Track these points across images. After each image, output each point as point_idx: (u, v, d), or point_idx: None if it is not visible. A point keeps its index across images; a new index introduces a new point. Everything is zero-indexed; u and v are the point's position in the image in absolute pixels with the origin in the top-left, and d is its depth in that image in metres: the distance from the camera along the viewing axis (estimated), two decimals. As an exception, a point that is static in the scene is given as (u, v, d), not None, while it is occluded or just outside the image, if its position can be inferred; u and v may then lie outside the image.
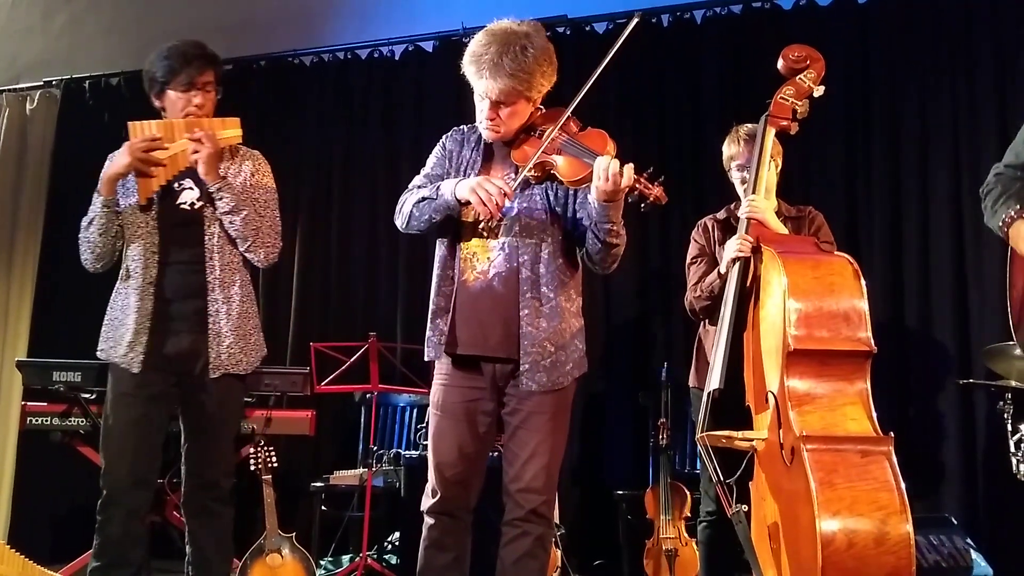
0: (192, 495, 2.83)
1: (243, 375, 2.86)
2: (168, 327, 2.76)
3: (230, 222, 2.81)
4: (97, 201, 2.80)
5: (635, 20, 2.43)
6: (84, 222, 2.83)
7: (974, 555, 3.39)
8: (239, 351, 2.81)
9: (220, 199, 2.79)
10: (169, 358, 2.76)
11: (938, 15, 4.15)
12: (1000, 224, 2.34)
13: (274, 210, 2.94)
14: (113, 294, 2.86)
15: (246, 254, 2.86)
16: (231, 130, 2.85)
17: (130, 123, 2.82)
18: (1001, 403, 3.31)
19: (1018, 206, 2.32)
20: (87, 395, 3.89)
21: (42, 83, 5.63)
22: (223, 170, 2.84)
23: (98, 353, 2.84)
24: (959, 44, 4.10)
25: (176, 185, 2.83)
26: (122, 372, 2.76)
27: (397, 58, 5.04)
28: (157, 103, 2.87)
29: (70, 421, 3.90)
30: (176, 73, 2.79)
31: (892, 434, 2.29)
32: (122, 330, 2.77)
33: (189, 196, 2.83)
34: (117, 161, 2.77)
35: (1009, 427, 3.25)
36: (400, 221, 2.54)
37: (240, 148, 2.94)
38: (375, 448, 4.07)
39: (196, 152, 2.75)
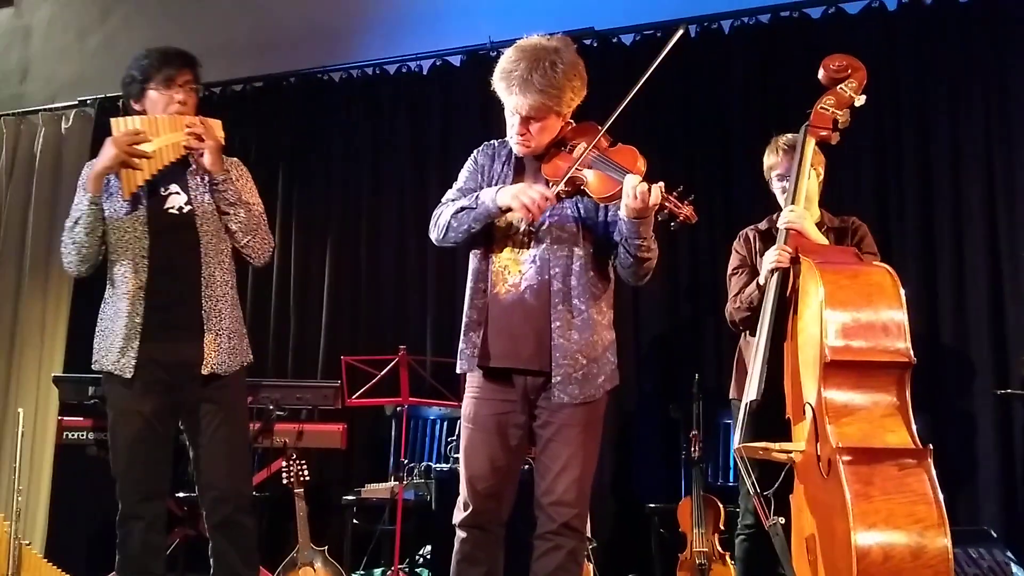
0: (214, 508, 2.78)
1: (241, 372, 2.85)
2: (162, 334, 2.73)
3: (235, 213, 2.80)
4: (83, 199, 2.76)
5: (679, 32, 2.43)
6: (68, 223, 2.78)
7: (1015, 568, 3.32)
8: (234, 347, 2.81)
9: (225, 191, 2.79)
10: (165, 365, 2.73)
11: (968, 23, 4.10)
12: None
13: (261, 208, 2.93)
14: (102, 305, 2.84)
15: (244, 249, 2.86)
16: (218, 131, 2.83)
17: (113, 119, 2.80)
18: (1040, 413, 3.26)
19: None
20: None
21: (77, 102, 5.71)
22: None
23: (92, 365, 2.82)
24: (990, 51, 4.05)
25: (162, 191, 2.80)
26: (119, 386, 2.74)
27: (425, 73, 5.07)
28: (137, 107, 2.84)
29: (106, 435, 3.93)
30: (156, 71, 2.80)
31: (931, 446, 2.26)
32: (111, 337, 2.75)
33: (176, 201, 2.80)
34: (102, 156, 2.74)
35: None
36: (436, 234, 2.55)
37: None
38: (406, 461, 4.07)
39: (200, 141, 2.75)
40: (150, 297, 2.73)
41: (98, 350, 2.80)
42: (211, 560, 2.83)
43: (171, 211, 2.79)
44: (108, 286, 2.82)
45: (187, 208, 2.80)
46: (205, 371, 2.74)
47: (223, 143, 2.83)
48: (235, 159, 2.96)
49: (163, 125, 2.76)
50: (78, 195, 2.79)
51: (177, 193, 2.81)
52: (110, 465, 2.81)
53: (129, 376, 2.71)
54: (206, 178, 2.81)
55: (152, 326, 2.73)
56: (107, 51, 5.84)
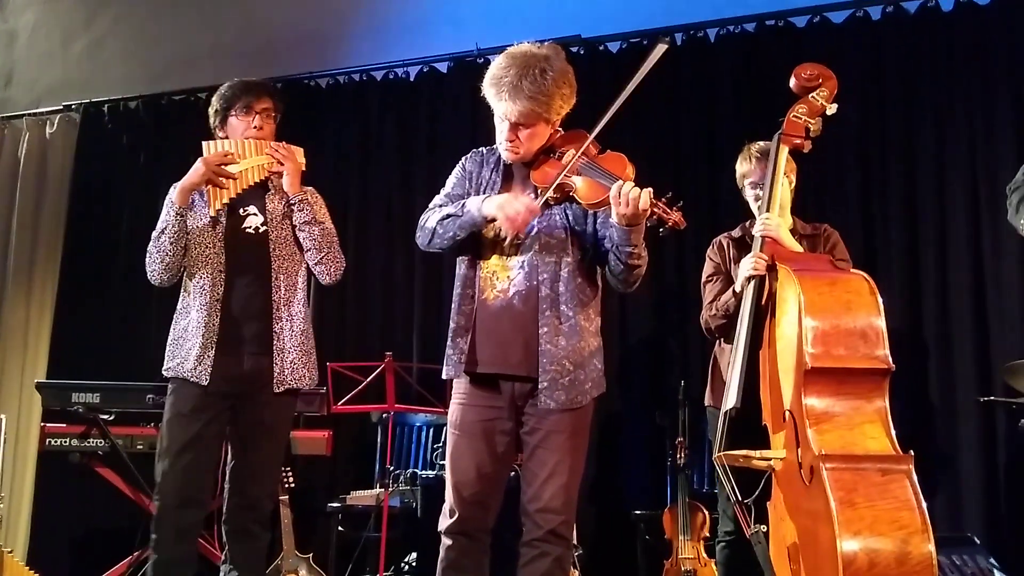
0: (234, 514, 2.89)
1: (298, 392, 2.99)
2: (234, 347, 2.87)
3: (309, 232, 2.97)
4: (171, 211, 2.93)
5: (663, 47, 2.43)
6: (155, 233, 2.95)
7: (997, 574, 3.34)
8: (302, 366, 2.94)
9: (301, 210, 2.97)
10: (234, 378, 2.85)
11: (952, 32, 4.14)
12: (1022, 222, 2.32)
13: (335, 232, 3.11)
14: (176, 315, 2.96)
15: (317, 267, 3.02)
16: (300, 157, 3.05)
17: (204, 142, 3.00)
18: (1022, 420, 3.29)
19: None
20: (106, 416, 3.91)
21: (61, 107, 5.69)
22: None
23: (164, 371, 2.93)
24: (974, 60, 4.09)
25: (241, 211, 2.97)
26: (184, 390, 2.84)
27: (412, 79, 5.07)
28: (220, 133, 3.04)
29: (89, 442, 3.92)
30: (236, 100, 3.00)
31: (912, 452, 2.27)
32: (188, 346, 2.87)
33: (253, 221, 2.97)
34: (191, 173, 2.92)
35: (1031, 445, 3.22)
36: (422, 239, 2.55)
37: None
38: (392, 468, 4.06)
39: (281, 164, 2.96)
40: (225, 310, 2.88)
41: (172, 356, 2.91)
42: (222, 565, 2.94)
43: (248, 230, 2.96)
44: (183, 296, 2.96)
45: (263, 228, 2.97)
46: (277, 389, 2.88)
47: (303, 167, 3.03)
48: (312, 188, 3.12)
49: (249, 149, 2.97)
50: (165, 207, 2.96)
51: (255, 214, 2.98)
52: (155, 467, 2.88)
53: (205, 383, 2.82)
54: (283, 202, 2.99)
55: (225, 338, 2.86)
56: (92, 56, 5.83)
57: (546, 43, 2.47)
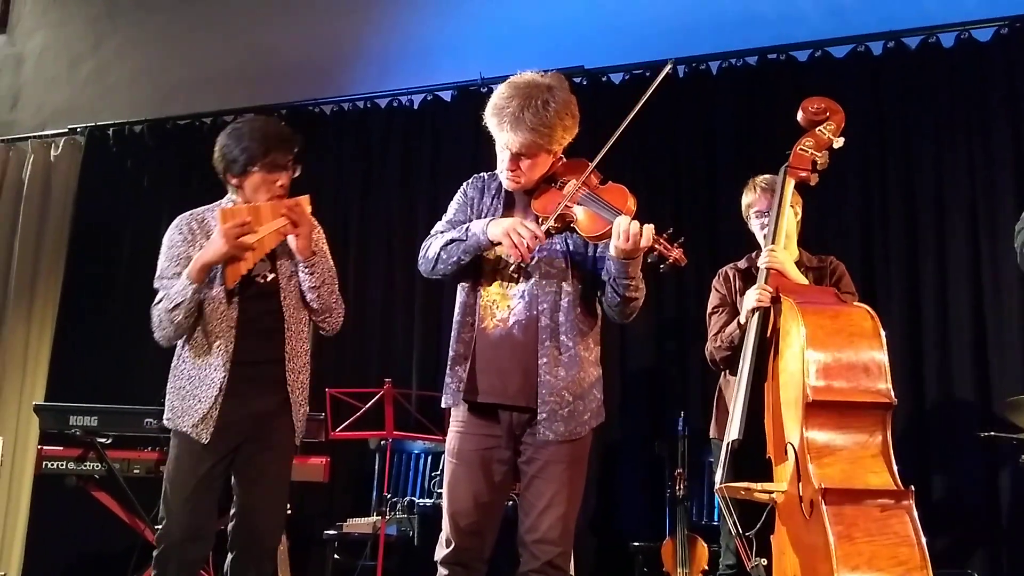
0: (243, 550, 2.80)
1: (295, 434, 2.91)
2: (242, 392, 2.77)
3: (317, 295, 2.87)
4: (188, 288, 2.74)
5: (668, 67, 2.44)
6: (168, 304, 2.77)
7: (998, 612, 3.32)
8: (305, 413, 2.90)
9: (311, 273, 2.85)
10: (239, 422, 2.76)
11: (952, 66, 4.18)
12: None
13: (335, 278, 2.98)
14: (179, 361, 2.85)
15: (322, 323, 2.95)
16: (307, 206, 2.87)
17: (220, 209, 2.81)
18: (1023, 456, 3.27)
19: None
20: (103, 440, 3.90)
21: (67, 130, 5.73)
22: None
23: (165, 421, 2.84)
24: (974, 94, 4.12)
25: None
26: (187, 440, 2.77)
27: (416, 107, 5.11)
28: (234, 181, 2.84)
29: (86, 466, 3.90)
30: (262, 155, 2.80)
31: (912, 488, 2.26)
32: (192, 401, 2.77)
33: (261, 268, 2.85)
34: (212, 247, 2.74)
35: (1032, 481, 3.20)
36: (425, 266, 2.54)
37: None
38: (389, 496, 4.04)
39: (295, 226, 2.78)
40: (235, 363, 2.78)
41: (173, 408, 2.81)
42: None
43: (257, 279, 2.85)
44: (188, 346, 2.83)
45: (271, 277, 2.86)
46: (270, 430, 2.80)
47: (314, 224, 2.89)
48: (314, 221, 2.92)
49: (265, 213, 2.79)
50: (181, 281, 2.76)
51: (263, 261, 2.85)
52: (162, 499, 2.80)
53: (205, 442, 2.74)
54: (291, 256, 2.87)
55: (233, 386, 2.76)
56: (98, 80, 5.88)
57: (550, 72, 2.48)
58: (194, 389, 2.79)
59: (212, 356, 2.77)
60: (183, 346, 2.85)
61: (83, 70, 5.94)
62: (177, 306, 2.76)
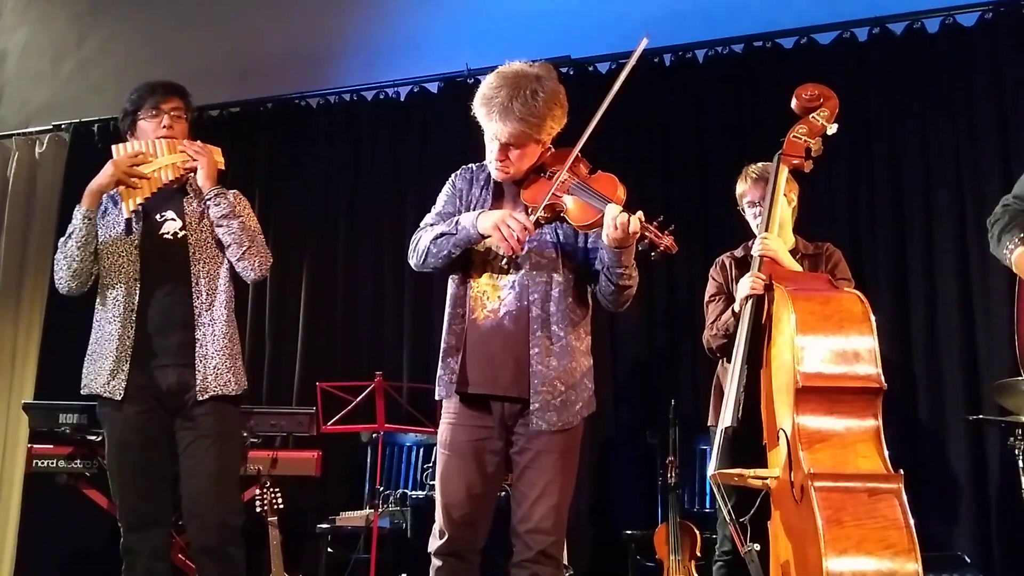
0: (201, 535, 2.78)
1: (236, 399, 2.86)
2: (152, 361, 2.77)
3: (227, 226, 2.87)
4: (78, 213, 2.84)
5: (644, 41, 2.44)
6: (62, 239, 2.87)
7: (988, 594, 3.34)
8: (227, 371, 2.83)
9: (217, 204, 2.88)
10: (156, 391, 2.76)
11: (937, 51, 4.19)
12: (1005, 252, 2.34)
13: (259, 230, 3.01)
14: (93, 329, 2.86)
15: (239, 263, 2.90)
16: (217, 155, 2.97)
17: (113, 145, 2.92)
18: (1012, 439, 3.29)
19: (1022, 234, 2.30)
20: (93, 437, 3.88)
21: (51, 127, 5.69)
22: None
23: (81, 390, 2.84)
24: (958, 78, 4.13)
25: (158, 217, 2.88)
26: (112, 412, 2.76)
27: (403, 99, 5.09)
28: (132, 138, 2.95)
29: (76, 463, 3.89)
30: (143, 101, 2.92)
31: (902, 472, 2.27)
32: (101, 360, 2.78)
33: (171, 227, 2.88)
34: (101, 175, 2.84)
35: (1020, 463, 3.22)
36: (415, 259, 2.54)
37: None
38: (382, 489, 4.04)
39: (195, 161, 2.87)
40: (141, 321, 2.78)
41: (87, 373, 2.83)
42: None
43: (165, 236, 2.87)
44: (98, 308, 2.85)
45: (181, 234, 2.88)
46: (200, 397, 2.77)
47: (221, 166, 2.95)
48: (236, 191, 3.04)
49: (161, 148, 2.89)
50: (75, 211, 2.86)
51: (172, 219, 2.89)
52: (111, 493, 2.81)
53: (119, 398, 2.72)
54: (202, 204, 2.90)
55: (144, 351, 2.76)
56: (82, 76, 5.83)
57: (538, 62, 2.47)
58: (103, 348, 2.79)
59: (119, 314, 2.78)
60: (96, 312, 2.86)
61: (67, 66, 5.89)
62: (69, 235, 2.83)
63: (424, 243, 2.50)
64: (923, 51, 4.21)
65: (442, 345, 2.50)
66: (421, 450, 4.48)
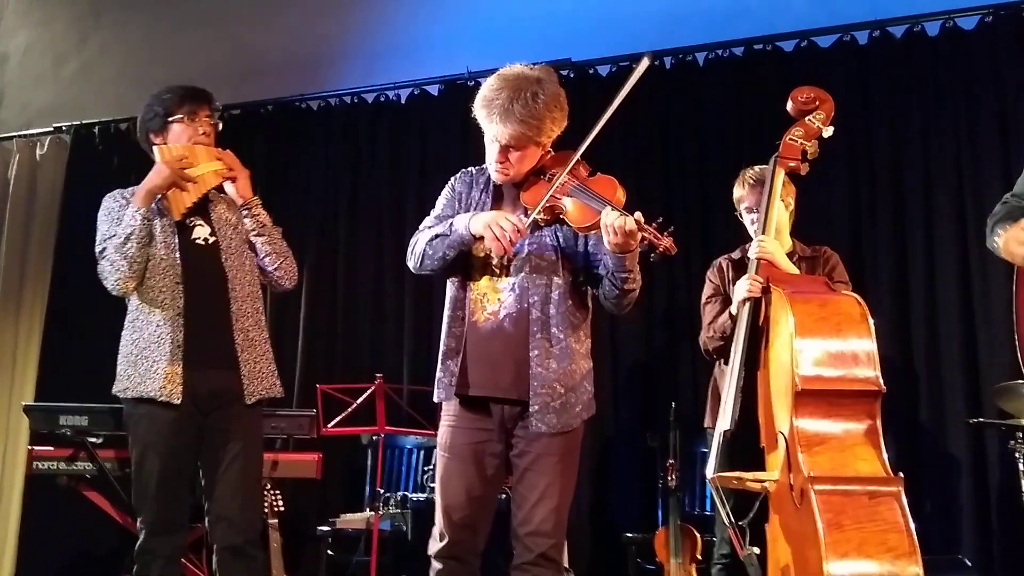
0: (226, 537, 2.78)
1: (261, 406, 2.90)
2: (200, 362, 2.77)
3: (266, 236, 2.93)
4: (136, 215, 2.79)
5: (645, 62, 2.44)
6: (118, 240, 2.78)
7: (989, 597, 3.34)
8: (270, 374, 2.90)
9: (258, 214, 2.93)
10: (197, 395, 2.76)
11: (937, 54, 4.19)
12: (996, 240, 2.32)
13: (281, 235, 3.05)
14: (129, 330, 2.84)
15: (275, 272, 2.96)
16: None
17: (157, 147, 2.90)
18: (1012, 442, 3.29)
19: (1010, 223, 2.29)
20: (94, 440, 3.87)
21: (52, 129, 5.69)
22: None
23: (121, 392, 2.80)
24: (959, 82, 4.13)
25: (188, 221, 2.89)
26: (155, 415, 2.73)
27: (403, 102, 5.10)
28: (157, 140, 2.91)
29: (76, 466, 3.87)
30: (179, 105, 2.90)
31: (902, 475, 2.27)
32: (150, 362, 2.75)
33: (201, 232, 2.90)
34: (155, 174, 2.82)
35: (1021, 467, 3.23)
36: (413, 262, 2.55)
37: None
38: (382, 491, 4.04)
39: (231, 171, 2.90)
40: (188, 323, 2.78)
41: (129, 376, 2.78)
42: None
43: (198, 241, 2.88)
44: (138, 310, 2.83)
45: (212, 240, 2.90)
46: (249, 401, 2.82)
47: (249, 172, 2.97)
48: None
49: (201, 154, 2.89)
50: (128, 212, 2.81)
51: (201, 225, 2.91)
52: (132, 494, 2.80)
53: (177, 402, 2.72)
54: (229, 209, 2.94)
55: (192, 353, 2.77)
56: (84, 78, 5.84)
57: (539, 65, 2.48)
58: (152, 351, 2.76)
59: (168, 316, 2.76)
60: (131, 315, 2.84)
61: (68, 68, 5.90)
62: (128, 237, 2.78)
63: (420, 246, 2.51)
64: (923, 54, 4.21)
65: (441, 347, 2.50)
66: (421, 452, 4.48)
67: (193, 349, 2.76)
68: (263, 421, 3.00)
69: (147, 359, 2.76)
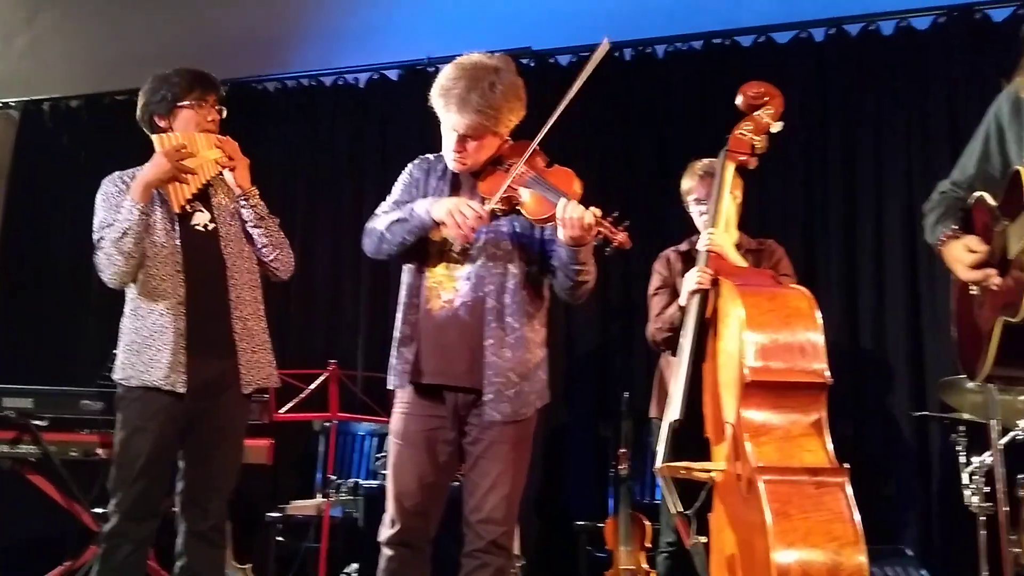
0: (198, 522, 2.76)
1: (251, 395, 2.86)
2: (202, 350, 2.74)
3: (264, 227, 2.88)
4: (133, 210, 2.71)
5: (605, 44, 2.44)
6: (114, 235, 2.71)
7: (929, 586, 3.42)
8: (268, 364, 2.86)
9: (255, 205, 2.87)
10: (201, 383, 2.73)
11: (892, 54, 4.26)
12: (936, 242, 2.37)
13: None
14: (130, 319, 2.78)
15: (273, 263, 2.92)
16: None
17: (156, 136, 2.83)
18: (954, 435, 3.37)
19: (955, 226, 2.31)
20: (38, 422, 3.80)
21: (0, 104, 5.55)
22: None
23: (124, 380, 2.74)
24: (912, 81, 4.20)
25: (188, 208, 2.84)
26: (148, 401, 2.69)
27: (362, 86, 5.06)
28: (162, 123, 2.85)
29: (19, 449, 3.81)
30: (188, 91, 2.84)
31: (847, 465, 2.31)
32: (153, 351, 2.71)
33: (201, 219, 2.84)
34: (153, 167, 2.74)
35: (962, 459, 3.30)
36: (370, 245, 2.53)
37: None
38: (334, 477, 4.02)
39: (231, 159, 2.84)
40: (189, 311, 2.74)
41: (131, 364, 2.73)
42: (181, 563, 2.79)
43: (197, 228, 2.83)
44: (137, 297, 2.77)
45: (211, 226, 2.85)
46: (247, 390, 2.79)
47: (249, 162, 2.92)
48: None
49: (201, 143, 2.83)
50: (125, 206, 2.72)
51: (201, 211, 2.85)
52: (110, 476, 2.74)
53: (182, 391, 2.68)
54: (227, 197, 2.88)
55: (194, 341, 2.73)
56: (33, 53, 5.70)
57: (497, 54, 2.47)
58: (155, 339, 2.72)
59: (170, 305, 2.73)
60: (131, 303, 2.79)
61: (17, 43, 5.75)
62: (125, 232, 2.72)
63: (379, 230, 2.49)
64: (878, 52, 4.28)
65: (396, 334, 2.49)
66: (375, 439, 4.47)
67: (195, 337, 2.73)
68: (248, 409, 2.97)
69: (150, 348, 2.72)
